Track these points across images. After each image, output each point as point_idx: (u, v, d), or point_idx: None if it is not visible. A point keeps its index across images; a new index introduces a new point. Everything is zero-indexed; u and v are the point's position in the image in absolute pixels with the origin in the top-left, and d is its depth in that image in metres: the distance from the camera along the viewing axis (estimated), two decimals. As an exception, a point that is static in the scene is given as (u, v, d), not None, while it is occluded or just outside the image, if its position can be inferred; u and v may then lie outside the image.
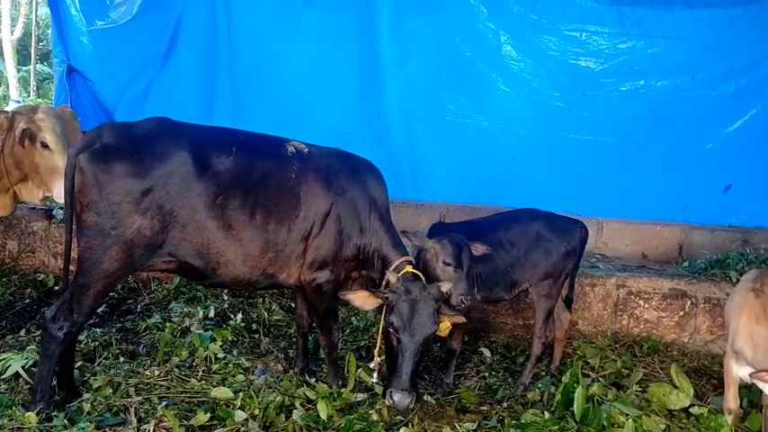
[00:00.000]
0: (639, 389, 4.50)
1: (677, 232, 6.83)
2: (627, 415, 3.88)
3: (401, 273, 4.00)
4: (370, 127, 7.23)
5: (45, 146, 4.62)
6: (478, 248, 4.34)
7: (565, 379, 4.23)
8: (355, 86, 7.23)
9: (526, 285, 4.74)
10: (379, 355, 4.02)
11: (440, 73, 7.12)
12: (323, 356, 4.50)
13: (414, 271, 4.04)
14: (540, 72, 6.98)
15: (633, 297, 5.74)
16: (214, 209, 3.73)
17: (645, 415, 3.99)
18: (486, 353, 5.28)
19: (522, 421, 4.01)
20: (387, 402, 3.74)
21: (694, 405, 4.26)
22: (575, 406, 3.97)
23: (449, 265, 4.14)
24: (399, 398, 3.65)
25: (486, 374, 4.96)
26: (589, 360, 5.14)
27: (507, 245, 4.69)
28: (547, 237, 4.71)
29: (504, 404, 4.42)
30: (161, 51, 7.12)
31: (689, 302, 5.66)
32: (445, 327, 3.94)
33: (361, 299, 3.91)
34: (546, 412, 4.11)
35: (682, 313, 5.67)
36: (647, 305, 5.72)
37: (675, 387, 4.31)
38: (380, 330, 3.97)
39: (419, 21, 7.05)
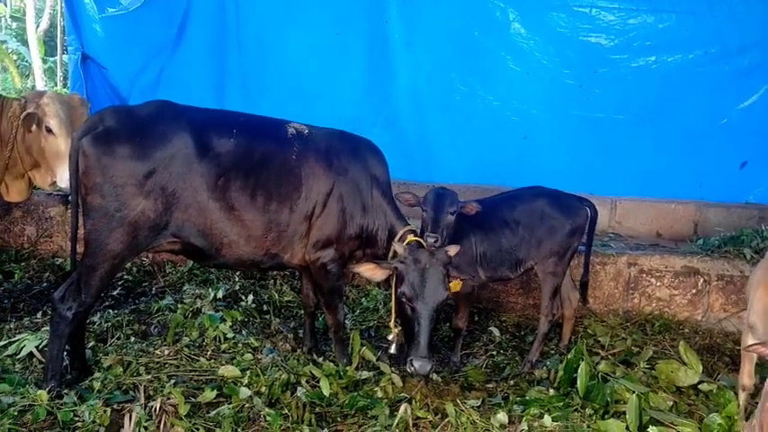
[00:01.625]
0: (648, 366, 4.48)
1: (692, 210, 6.75)
2: (633, 391, 3.87)
3: (406, 242, 4.05)
4: (379, 109, 7.22)
5: (49, 130, 4.71)
6: (472, 207, 4.36)
7: (569, 356, 4.23)
8: (364, 69, 7.22)
9: (531, 263, 4.73)
10: (395, 327, 4.10)
11: (449, 53, 7.07)
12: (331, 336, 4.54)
13: (418, 239, 4.09)
14: (550, 49, 6.89)
15: (645, 275, 5.70)
16: (216, 190, 3.79)
17: (652, 392, 3.98)
18: (496, 332, 5.30)
19: (527, 398, 4.03)
20: (408, 370, 3.83)
21: (703, 382, 4.23)
22: (578, 382, 3.97)
23: (424, 210, 4.26)
24: (420, 364, 3.77)
25: (495, 353, 4.97)
26: (599, 338, 5.13)
27: (512, 224, 4.69)
28: (551, 214, 4.69)
29: (511, 382, 4.45)
30: (171, 37, 7.17)
31: (701, 280, 5.60)
32: (455, 284, 4.02)
33: (370, 270, 3.99)
34: (551, 389, 4.12)
35: (694, 291, 5.62)
36: (659, 283, 5.68)
37: (684, 364, 4.29)
38: (393, 302, 4.04)
39: (427, 1, 7.01)
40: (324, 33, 7.14)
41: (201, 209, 3.79)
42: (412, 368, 3.79)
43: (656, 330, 5.40)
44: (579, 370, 4.00)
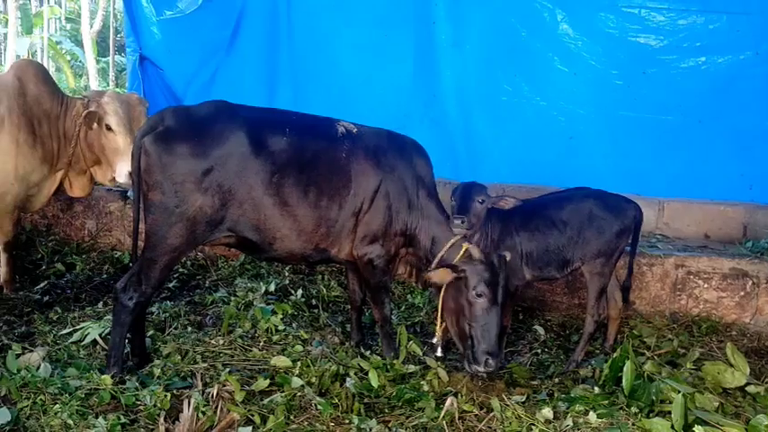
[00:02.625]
0: (695, 368, 4.47)
1: (741, 212, 6.65)
2: (678, 391, 3.87)
3: (462, 250, 4.21)
4: (426, 109, 7.32)
5: (109, 128, 4.94)
6: (508, 201, 4.46)
7: (615, 355, 4.25)
8: (411, 69, 7.32)
9: (578, 264, 4.76)
10: (440, 327, 4.26)
11: (496, 53, 7.12)
12: (378, 332, 4.66)
13: (474, 246, 4.24)
14: (598, 50, 6.88)
15: (692, 277, 5.66)
16: (270, 186, 3.94)
17: (698, 392, 3.97)
18: (540, 330, 5.33)
19: (572, 395, 4.07)
20: (481, 369, 4.01)
21: (750, 384, 4.21)
22: (623, 381, 3.99)
23: (453, 200, 4.44)
24: (495, 363, 4.00)
25: (539, 351, 5.01)
26: (645, 339, 5.13)
27: (560, 224, 4.72)
28: (599, 215, 4.70)
29: (555, 379, 4.49)
30: (226, 39, 7.40)
31: (750, 282, 5.55)
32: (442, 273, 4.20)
33: (443, 274, 4.13)
34: (596, 387, 4.15)
35: (743, 293, 5.56)
36: (706, 285, 5.63)
37: (731, 365, 4.27)
38: (440, 303, 4.19)
39: (475, 2, 7.08)
40: (372, 34, 7.26)
41: (256, 205, 3.95)
42: (488, 366, 3.97)
43: (703, 332, 5.37)
44: (624, 368, 4.01)
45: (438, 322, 4.28)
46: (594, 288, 4.76)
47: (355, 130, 4.31)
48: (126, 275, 4.01)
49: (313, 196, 4.06)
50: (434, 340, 4.33)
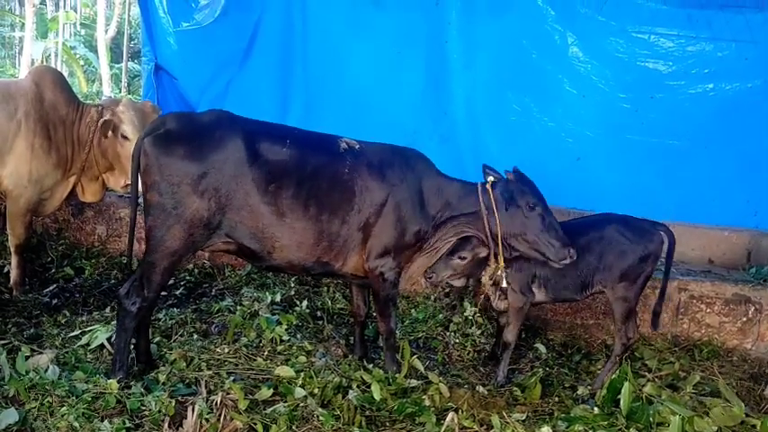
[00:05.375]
0: (695, 391, 4.50)
1: (746, 238, 6.68)
2: (677, 413, 3.90)
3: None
4: (436, 126, 7.40)
5: (124, 136, 5.03)
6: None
7: (614, 376, 4.29)
8: (422, 86, 7.41)
9: (600, 287, 4.77)
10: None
11: (506, 74, 7.21)
12: (382, 345, 4.70)
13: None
14: (607, 73, 6.97)
15: (695, 301, 5.68)
16: (267, 195, 3.99)
17: (697, 416, 4.00)
18: (542, 349, 5.35)
19: (572, 415, 4.10)
20: (568, 261, 4.30)
21: (749, 416, 4.21)
22: (622, 402, 4.02)
23: None
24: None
25: (541, 370, 5.05)
26: (647, 361, 5.15)
27: (579, 249, 4.71)
28: (621, 239, 4.70)
29: (555, 398, 4.52)
30: (240, 52, 7.52)
31: (753, 308, 5.57)
32: None
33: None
34: (596, 408, 4.18)
35: (745, 319, 5.57)
36: (708, 309, 5.65)
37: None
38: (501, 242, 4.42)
39: (487, 23, 7.17)
40: (385, 51, 7.37)
41: (253, 212, 4.00)
42: (572, 256, 4.29)
43: (705, 356, 5.38)
44: (623, 390, 4.05)
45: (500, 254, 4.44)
46: (619, 312, 4.73)
47: (357, 146, 4.36)
48: (128, 281, 4.07)
49: (313, 210, 4.10)
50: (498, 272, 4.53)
